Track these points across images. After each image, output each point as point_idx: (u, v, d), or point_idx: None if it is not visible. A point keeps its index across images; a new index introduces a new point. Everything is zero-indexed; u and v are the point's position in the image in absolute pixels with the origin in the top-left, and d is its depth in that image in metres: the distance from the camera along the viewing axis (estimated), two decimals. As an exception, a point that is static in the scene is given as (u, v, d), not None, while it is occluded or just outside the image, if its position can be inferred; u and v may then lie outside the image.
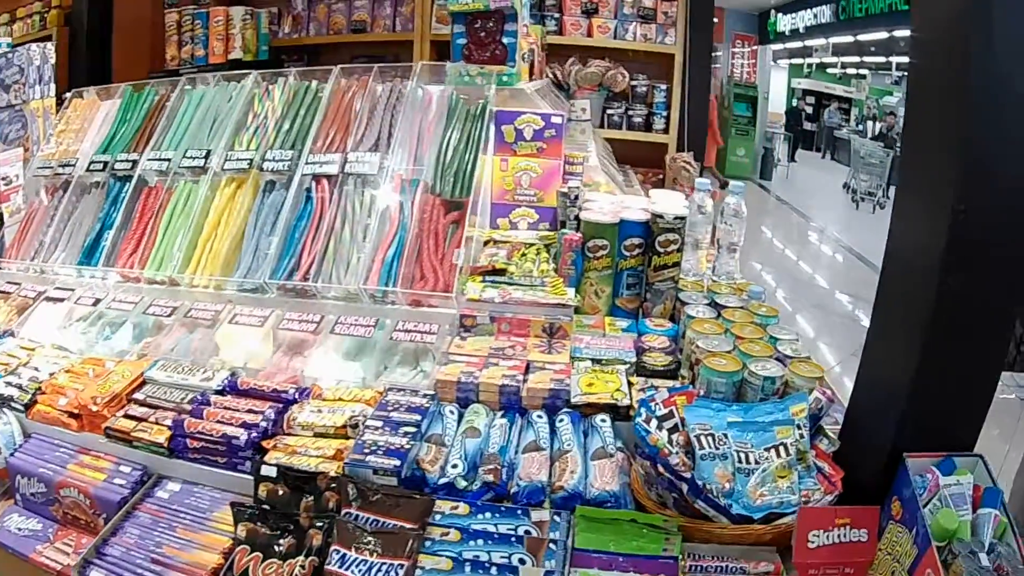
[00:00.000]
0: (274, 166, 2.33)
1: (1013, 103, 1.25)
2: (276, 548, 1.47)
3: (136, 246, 2.30)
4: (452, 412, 1.78)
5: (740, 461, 1.55)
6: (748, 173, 13.64)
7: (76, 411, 1.81)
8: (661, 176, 4.45)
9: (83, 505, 1.68)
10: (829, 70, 20.52)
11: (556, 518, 1.49)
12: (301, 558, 1.46)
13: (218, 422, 1.71)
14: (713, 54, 14.49)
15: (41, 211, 2.47)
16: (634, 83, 4.69)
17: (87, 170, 2.50)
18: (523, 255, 2.40)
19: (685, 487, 1.46)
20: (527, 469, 1.59)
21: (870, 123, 18.40)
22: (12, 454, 1.78)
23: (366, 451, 1.57)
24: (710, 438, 1.57)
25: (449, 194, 2.29)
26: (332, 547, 1.45)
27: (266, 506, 1.55)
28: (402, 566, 1.39)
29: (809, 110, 21.91)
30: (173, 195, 2.38)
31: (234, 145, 2.44)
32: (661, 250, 2.27)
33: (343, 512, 1.50)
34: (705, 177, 3.35)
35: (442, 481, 1.57)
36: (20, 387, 1.88)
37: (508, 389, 1.81)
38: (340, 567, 1.42)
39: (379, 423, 1.67)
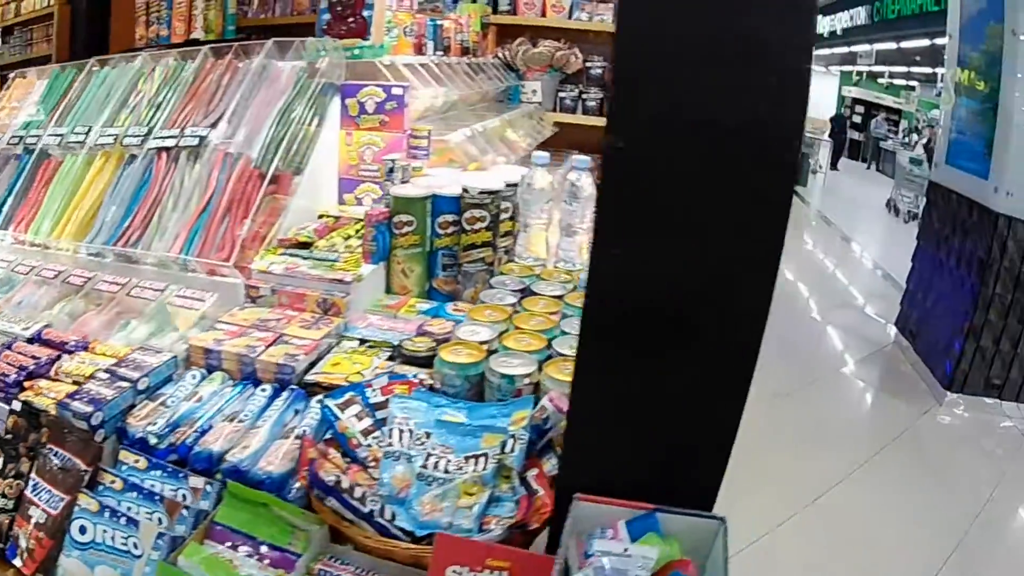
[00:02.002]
0: (130, 141, 2.66)
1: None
2: (-3, 470, 1.86)
3: (27, 212, 2.75)
4: (194, 376, 1.95)
5: (427, 466, 1.39)
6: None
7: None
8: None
9: None
10: (879, 80, 20.39)
11: (208, 487, 1.61)
12: (12, 479, 1.83)
13: (4, 362, 2.11)
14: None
15: (-32, 180, 2.98)
16: (589, 64, 4.49)
17: (7, 143, 2.97)
18: (344, 231, 2.52)
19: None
20: (210, 437, 1.70)
21: (914, 136, 17.92)
22: None
23: (76, 398, 1.87)
24: (407, 434, 1.47)
25: (270, 167, 2.50)
26: (30, 474, 1.81)
27: (9, 436, 1.93)
28: (64, 499, 1.69)
29: (858, 119, 22.04)
30: (61, 167, 2.79)
31: (113, 122, 2.79)
32: (468, 228, 2.23)
33: (49, 447, 1.84)
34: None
35: (138, 436, 1.76)
36: None
37: (244, 360, 1.93)
38: (31, 493, 1.74)
39: (106, 376, 1.95)
